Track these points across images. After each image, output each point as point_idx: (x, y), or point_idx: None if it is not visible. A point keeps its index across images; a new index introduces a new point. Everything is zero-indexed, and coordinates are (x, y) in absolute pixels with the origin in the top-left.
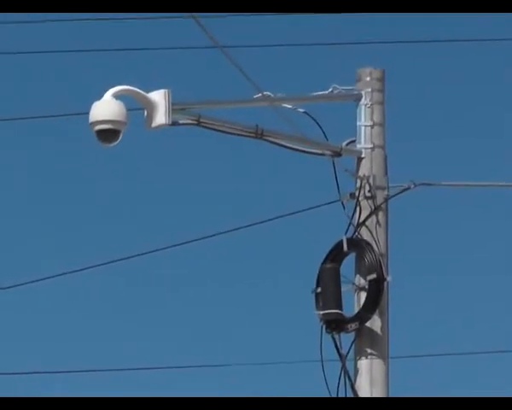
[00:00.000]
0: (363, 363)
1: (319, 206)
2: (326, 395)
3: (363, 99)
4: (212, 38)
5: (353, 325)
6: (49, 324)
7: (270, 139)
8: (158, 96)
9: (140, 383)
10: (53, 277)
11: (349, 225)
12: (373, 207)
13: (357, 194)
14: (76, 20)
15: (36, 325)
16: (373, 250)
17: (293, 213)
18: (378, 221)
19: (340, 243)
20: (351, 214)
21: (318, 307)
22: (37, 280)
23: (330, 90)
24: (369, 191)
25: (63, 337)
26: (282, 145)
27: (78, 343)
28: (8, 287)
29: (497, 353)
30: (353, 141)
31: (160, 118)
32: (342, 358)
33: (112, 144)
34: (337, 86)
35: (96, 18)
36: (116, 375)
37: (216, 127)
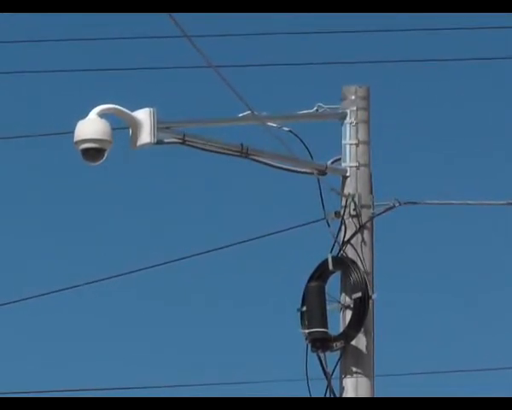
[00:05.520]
0: (349, 381)
1: (304, 224)
2: None
3: (348, 118)
4: (206, 57)
5: (339, 344)
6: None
7: (256, 158)
8: (143, 115)
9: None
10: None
11: (334, 244)
12: (358, 226)
13: (342, 212)
14: (61, 40)
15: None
16: (358, 269)
17: (278, 232)
18: (363, 239)
19: (326, 262)
20: (336, 233)
21: (304, 326)
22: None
23: (315, 108)
24: (354, 210)
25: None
26: (267, 164)
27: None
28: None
29: (483, 371)
30: (338, 159)
31: (145, 137)
32: (328, 376)
33: (97, 163)
34: (322, 105)
35: (81, 38)
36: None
37: (201, 146)
